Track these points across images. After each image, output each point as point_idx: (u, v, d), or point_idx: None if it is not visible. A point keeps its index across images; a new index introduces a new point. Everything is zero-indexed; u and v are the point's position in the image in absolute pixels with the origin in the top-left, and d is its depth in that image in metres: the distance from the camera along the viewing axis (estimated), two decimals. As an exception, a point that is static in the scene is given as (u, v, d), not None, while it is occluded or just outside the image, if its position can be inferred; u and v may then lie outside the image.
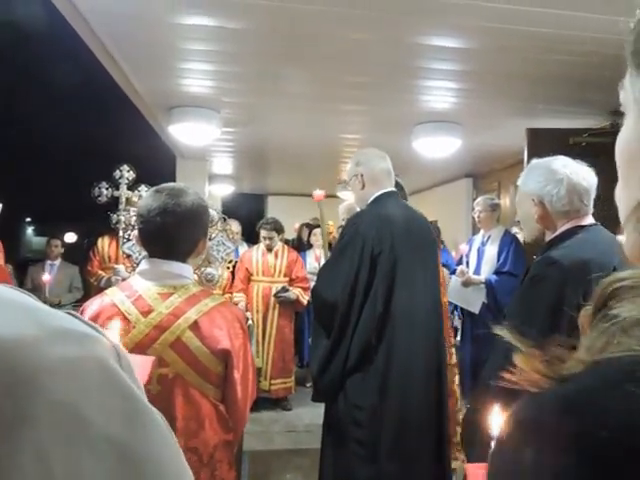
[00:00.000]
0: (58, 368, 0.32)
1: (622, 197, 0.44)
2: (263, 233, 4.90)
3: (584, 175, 1.72)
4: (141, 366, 1.15)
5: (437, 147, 4.58)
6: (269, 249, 4.92)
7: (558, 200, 1.70)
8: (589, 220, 1.73)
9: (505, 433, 0.35)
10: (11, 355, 0.30)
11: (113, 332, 1.41)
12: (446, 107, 4.04)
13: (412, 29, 2.73)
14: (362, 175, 2.36)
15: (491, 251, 4.12)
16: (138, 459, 0.34)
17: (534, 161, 1.83)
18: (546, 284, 1.59)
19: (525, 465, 0.32)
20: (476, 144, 5.03)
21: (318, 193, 2.84)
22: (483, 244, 4.22)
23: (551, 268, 1.60)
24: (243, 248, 5.86)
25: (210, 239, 2.32)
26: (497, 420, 0.72)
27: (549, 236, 1.77)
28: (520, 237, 4.05)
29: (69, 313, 0.37)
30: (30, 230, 23.64)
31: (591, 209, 1.74)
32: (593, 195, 1.73)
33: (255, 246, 5.13)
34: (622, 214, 0.44)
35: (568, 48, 2.84)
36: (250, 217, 7.32)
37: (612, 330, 0.35)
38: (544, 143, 3.60)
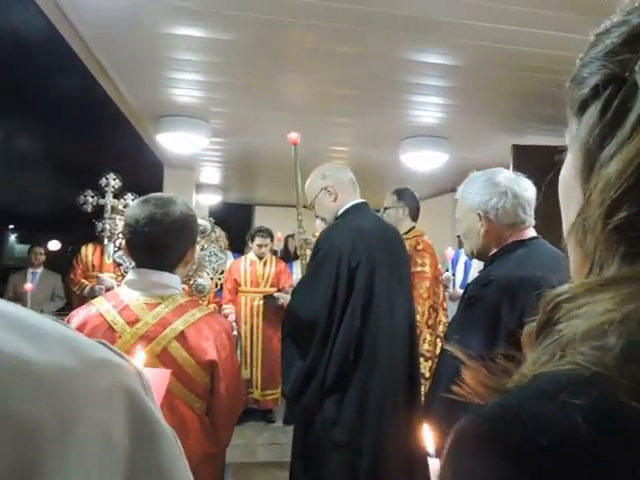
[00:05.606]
0: (97, 397, 0.37)
1: (564, 225, 0.47)
2: (258, 241, 4.90)
3: (525, 186, 1.68)
4: (159, 379, 1.17)
5: (424, 161, 4.62)
6: (260, 257, 4.91)
7: (504, 213, 1.65)
8: (531, 233, 1.68)
9: (450, 449, 0.36)
10: (58, 384, 0.35)
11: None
12: (434, 122, 4.08)
13: (401, 45, 2.76)
14: (333, 186, 2.29)
15: (478, 265, 4.14)
16: (152, 472, 0.40)
17: (474, 173, 1.76)
18: (481, 305, 1.55)
19: (469, 476, 0.33)
20: (463, 159, 5.07)
21: (294, 136, 2.45)
22: (470, 258, 4.24)
23: (485, 289, 1.56)
24: (230, 259, 5.84)
25: (202, 249, 2.30)
26: (429, 437, 0.72)
27: (492, 251, 1.71)
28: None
29: (100, 342, 0.42)
30: (13, 237, 23.29)
31: (533, 221, 1.70)
32: (533, 206, 1.69)
33: (243, 256, 5.12)
34: (565, 237, 0.46)
35: (554, 67, 2.89)
36: (237, 227, 7.29)
37: (555, 345, 0.37)
38: (529, 159, 3.64)
